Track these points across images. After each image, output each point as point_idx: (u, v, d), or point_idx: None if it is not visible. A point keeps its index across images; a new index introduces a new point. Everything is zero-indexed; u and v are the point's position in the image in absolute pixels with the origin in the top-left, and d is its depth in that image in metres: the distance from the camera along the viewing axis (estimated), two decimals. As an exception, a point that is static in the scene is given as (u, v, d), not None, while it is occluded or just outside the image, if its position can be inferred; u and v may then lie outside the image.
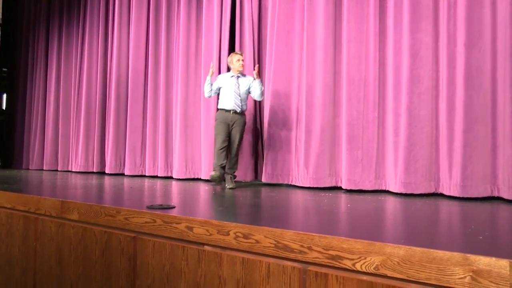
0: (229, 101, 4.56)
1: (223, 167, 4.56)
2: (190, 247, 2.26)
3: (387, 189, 4.29)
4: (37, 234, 3.14)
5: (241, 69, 4.62)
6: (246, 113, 4.84)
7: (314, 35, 4.72)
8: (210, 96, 4.81)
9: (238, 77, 4.64)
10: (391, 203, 3.49)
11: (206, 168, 5.54)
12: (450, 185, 3.90)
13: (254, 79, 4.56)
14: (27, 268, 3.19)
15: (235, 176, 4.68)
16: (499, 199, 3.72)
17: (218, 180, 4.52)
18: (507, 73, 3.64)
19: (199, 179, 5.67)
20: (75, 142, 7.31)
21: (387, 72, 4.34)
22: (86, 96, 7.15)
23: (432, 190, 4.05)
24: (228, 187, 4.42)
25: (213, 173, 4.45)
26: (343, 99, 4.50)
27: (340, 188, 4.51)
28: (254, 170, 5.17)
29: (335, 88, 4.63)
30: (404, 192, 4.03)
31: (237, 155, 4.68)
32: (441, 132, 4.05)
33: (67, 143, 7.56)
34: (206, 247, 2.22)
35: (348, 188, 4.35)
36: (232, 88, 4.58)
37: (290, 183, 4.81)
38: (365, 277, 1.70)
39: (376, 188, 4.33)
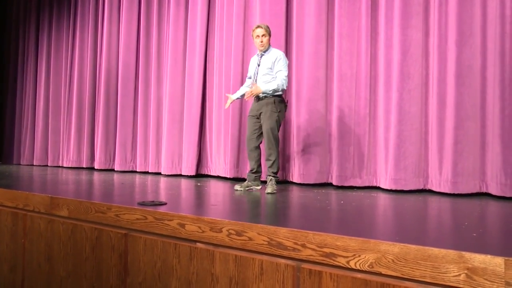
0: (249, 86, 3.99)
1: (253, 172, 3.91)
2: (182, 244, 2.24)
3: (378, 185, 4.30)
4: (26, 231, 3.09)
5: (260, 48, 3.89)
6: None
7: (305, 30, 4.70)
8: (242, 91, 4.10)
9: (262, 55, 3.94)
10: (383, 200, 3.50)
11: (189, 164, 5.52)
12: (440, 182, 3.93)
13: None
14: (15, 265, 3.14)
15: (276, 178, 3.84)
16: (487, 195, 3.75)
17: (242, 191, 3.83)
18: (497, 71, 3.68)
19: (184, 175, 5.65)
20: (67, 137, 7.25)
21: (378, 69, 4.35)
22: (77, 91, 7.07)
23: (421, 187, 4.08)
24: (266, 191, 3.71)
25: (236, 186, 3.94)
26: (335, 95, 4.50)
27: (331, 185, 4.51)
28: (241, 167, 5.14)
29: (326, 84, 4.62)
30: (394, 189, 4.05)
31: (270, 152, 3.78)
32: (430, 129, 4.08)
33: (57, 138, 7.48)
34: (199, 244, 2.20)
35: (339, 185, 4.35)
36: (253, 70, 3.96)
37: (281, 179, 4.79)
38: (359, 275, 1.69)
39: (367, 184, 4.34)
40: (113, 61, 6.63)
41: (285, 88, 3.85)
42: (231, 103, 4.14)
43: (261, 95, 3.82)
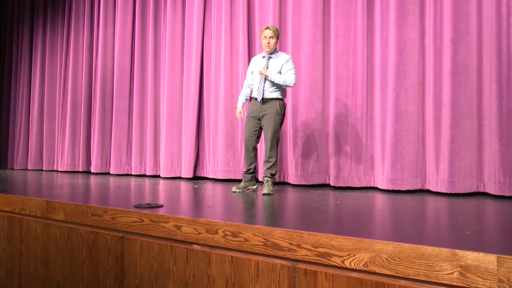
0: (255, 87, 3.89)
1: (250, 173, 3.91)
2: (179, 246, 2.24)
3: (375, 185, 4.31)
4: (22, 235, 3.08)
5: (267, 49, 3.86)
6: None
7: (301, 31, 4.72)
8: (248, 92, 4.08)
9: (269, 57, 3.90)
10: (379, 199, 3.50)
11: (187, 166, 5.52)
12: (437, 181, 3.94)
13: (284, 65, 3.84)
14: (12, 269, 3.13)
15: (273, 179, 3.84)
16: (486, 194, 3.76)
17: (240, 192, 3.84)
18: (493, 69, 3.68)
19: (181, 178, 5.65)
20: (61, 140, 7.22)
21: (374, 68, 4.36)
22: (72, 93, 7.06)
23: (418, 187, 4.08)
24: (262, 192, 3.72)
25: (233, 188, 3.94)
26: (331, 96, 4.51)
27: (328, 185, 4.51)
28: (238, 168, 5.14)
29: (323, 84, 4.63)
30: (391, 189, 4.06)
31: (272, 154, 3.80)
32: (427, 128, 4.08)
33: (52, 141, 7.46)
34: (195, 246, 2.20)
35: (337, 185, 4.36)
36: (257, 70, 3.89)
37: (278, 180, 4.79)
38: (354, 274, 1.70)
39: (365, 185, 4.35)
40: (108, 63, 6.63)
41: (292, 85, 3.85)
42: (242, 112, 4.09)
43: (260, 97, 3.82)
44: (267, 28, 3.87)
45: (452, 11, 3.89)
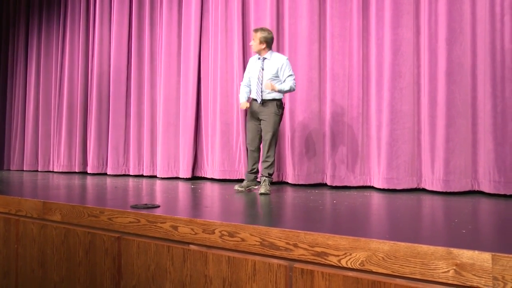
0: (253, 89, 3.93)
1: (253, 172, 3.97)
2: (175, 246, 2.25)
3: (371, 185, 4.32)
4: (19, 236, 3.08)
5: (255, 49, 3.92)
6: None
7: (298, 30, 4.73)
8: (248, 90, 4.04)
9: (264, 58, 3.89)
10: (375, 199, 3.52)
11: (185, 166, 5.52)
12: (432, 180, 3.96)
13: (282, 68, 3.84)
14: (8, 271, 3.13)
15: (270, 179, 3.87)
16: (479, 192, 3.78)
17: (243, 191, 3.91)
18: (487, 68, 3.70)
19: (179, 178, 5.65)
20: (57, 141, 7.20)
21: (370, 68, 4.37)
22: (68, 94, 7.04)
23: (414, 185, 4.10)
24: (259, 191, 3.75)
25: (236, 186, 4.00)
26: (328, 95, 4.52)
27: (325, 185, 4.53)
28: (235, 168, 5.15)
29: (320, 84, 4.64)
30: (386, 188, 4.07)
31: (270, 154, 3.83)
32: (423, 127, 4.10)
33: (48, 142, 7.44)
34: (192, 246, 2.20)
35: (334, 185, 4.37)
36: (256, 73, 3.90)
37: (276, 180, 4.80)
38: (350, 273, 1.71)
39: (361, 184, 4.36)
40: (104, 64, 6.61)
41: (293, 91, 3.92)
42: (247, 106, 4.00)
43: (259, 99, 3.82)
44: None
45: (447, 10, 3.91)
